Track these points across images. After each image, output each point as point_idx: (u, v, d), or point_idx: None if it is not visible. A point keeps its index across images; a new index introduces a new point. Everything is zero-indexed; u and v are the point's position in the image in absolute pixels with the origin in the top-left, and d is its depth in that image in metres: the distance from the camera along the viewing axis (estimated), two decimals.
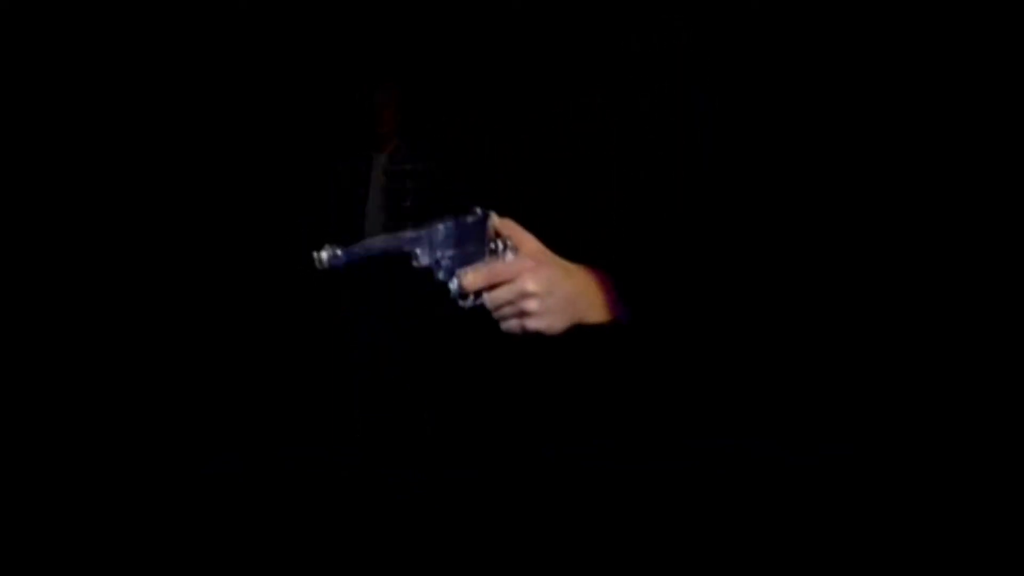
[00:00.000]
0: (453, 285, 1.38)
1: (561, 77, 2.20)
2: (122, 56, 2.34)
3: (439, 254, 1.39)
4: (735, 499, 1.68)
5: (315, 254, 1.33)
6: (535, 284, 1.41)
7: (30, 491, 2.30)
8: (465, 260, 1.40)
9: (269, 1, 2.37)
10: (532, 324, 1.40)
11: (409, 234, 1.38)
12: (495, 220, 1.44)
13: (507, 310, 1.40)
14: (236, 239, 2.42)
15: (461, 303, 1.38)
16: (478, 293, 1.40)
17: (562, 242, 1.97)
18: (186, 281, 2.39)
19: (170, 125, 2.39)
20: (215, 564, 2.31)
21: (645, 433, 1.60)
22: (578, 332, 1.45)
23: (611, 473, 2.24)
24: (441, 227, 1.39)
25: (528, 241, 1.44)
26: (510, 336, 1.40)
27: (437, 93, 2.28)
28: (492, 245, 1.43)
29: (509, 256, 1.43)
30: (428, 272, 1.39)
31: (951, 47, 2.11)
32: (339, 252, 1.35)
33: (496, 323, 1.41)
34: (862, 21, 2.14)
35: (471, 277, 1.39)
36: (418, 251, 1.39)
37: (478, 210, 1.42)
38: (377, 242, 1.36)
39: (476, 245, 1.41)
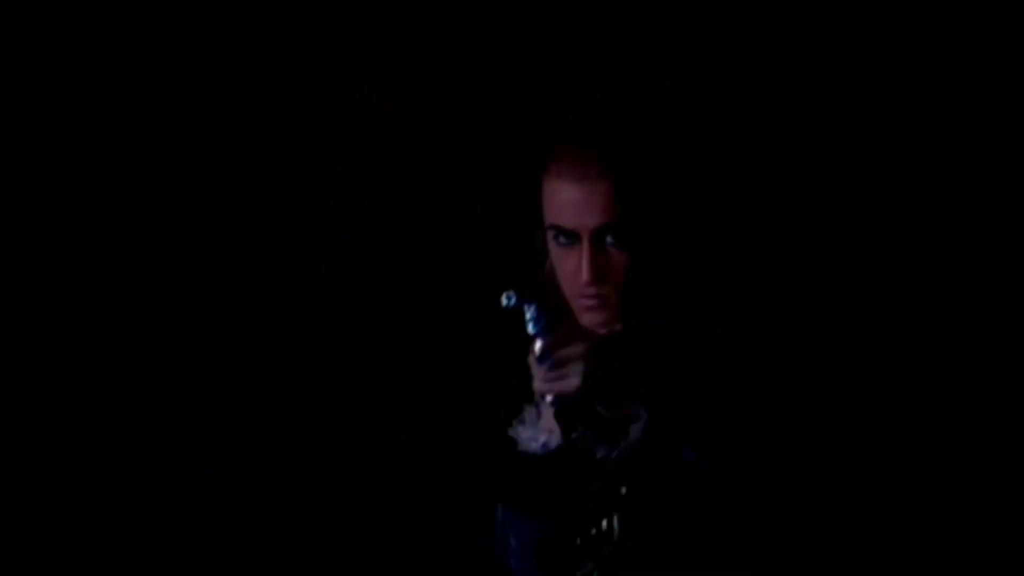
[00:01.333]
0: (540, 343, 1.53)
1: (561, 77, 2.20)
2: (121, 55, 2.34)
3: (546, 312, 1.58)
4: (735, 498, 1.68)
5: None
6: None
7: (29, 491, 2.30)
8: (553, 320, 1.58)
9: (268, 0, 2.37)
10: (575, 383, 1.55)
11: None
12: None
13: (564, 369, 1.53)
14: (236, 239, 2.42)
15: (541, 360, 1.52)
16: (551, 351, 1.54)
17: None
18: (185, 281, 2.39)
19: (167, 125, 2.39)
20: (215, 564, 2.31)
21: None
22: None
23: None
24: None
25: None
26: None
27: (437, 93, 2.28)
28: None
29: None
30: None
31: (949, 47, 2.12)
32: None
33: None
34: (861, 21, 2.14)
35: (555, 336, 1.56)
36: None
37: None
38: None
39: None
